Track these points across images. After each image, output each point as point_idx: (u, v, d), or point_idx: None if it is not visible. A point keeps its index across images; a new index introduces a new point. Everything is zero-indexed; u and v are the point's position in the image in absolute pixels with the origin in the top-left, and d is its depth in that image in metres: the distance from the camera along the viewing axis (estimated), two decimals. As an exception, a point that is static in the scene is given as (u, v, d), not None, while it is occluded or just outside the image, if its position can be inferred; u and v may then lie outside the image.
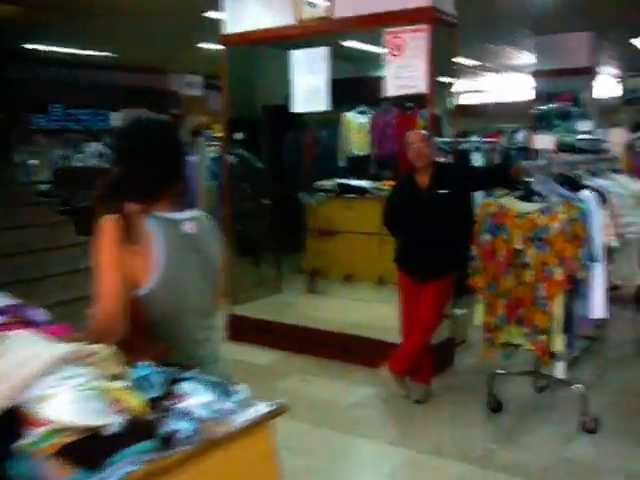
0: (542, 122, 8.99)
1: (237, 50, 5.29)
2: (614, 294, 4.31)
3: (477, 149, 6.19)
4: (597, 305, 3.47)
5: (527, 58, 9.52)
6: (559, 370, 3.38)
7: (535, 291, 3.27)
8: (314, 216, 7.22)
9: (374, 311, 4.99)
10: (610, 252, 3.83)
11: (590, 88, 8.33)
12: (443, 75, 4.57)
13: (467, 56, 9.50)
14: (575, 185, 3.65)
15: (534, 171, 3.45)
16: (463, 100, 13.25)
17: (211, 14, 6.51)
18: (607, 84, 9.78)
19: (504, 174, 3.61)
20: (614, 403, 3.88)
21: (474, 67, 10.47)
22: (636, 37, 7.82)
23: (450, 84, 4.62)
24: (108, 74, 9.87)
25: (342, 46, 6.98)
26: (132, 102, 9.20)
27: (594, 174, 4.09)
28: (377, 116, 6.01)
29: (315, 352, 4.88)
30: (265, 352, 5.01)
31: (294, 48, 4.91)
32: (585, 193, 3.47)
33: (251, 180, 6.98)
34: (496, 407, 3.82)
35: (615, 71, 10.09)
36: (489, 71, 11.16)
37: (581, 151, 5.18)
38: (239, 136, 7.14)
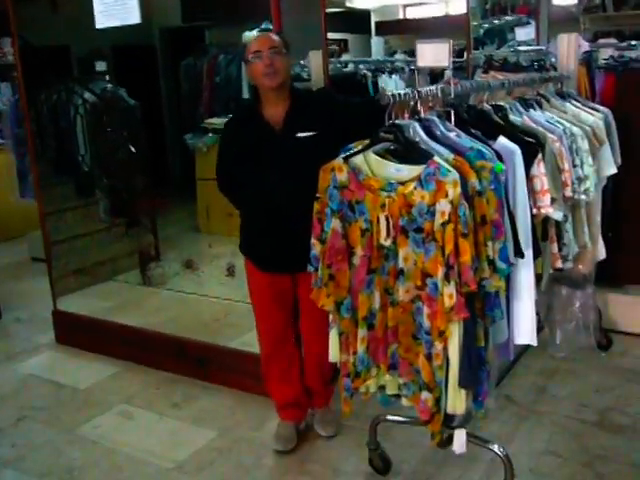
0: (493, 37, 7.63)
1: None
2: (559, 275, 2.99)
3: (392, 71, 4.69)
4: (523, 324, 2.13)
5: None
6: (458, 442, 2.03)
7: (415, 317, 1.90)
8: (203, 164, 5.88)
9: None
10: (546, 227, 2.48)
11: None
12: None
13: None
14: (493, 127, 2.24)
15: (422, 105, 2.01)
16: (392, 14, 11.40)
17: None
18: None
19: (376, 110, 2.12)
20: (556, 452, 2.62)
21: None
22: None
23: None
24: None
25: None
26: None
27: (528, 103, 2.66)
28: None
29: (160, 365, 3.52)
30: (98, 365, 3.62)
31: None
32: (503, 141, 2.05)
33: (120, 122, 5.46)
34: (382, 468, 2.51)
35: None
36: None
37: (520, 69, 3.74)
38: (101, 66, 5.65)
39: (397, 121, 1.89)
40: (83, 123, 5.14)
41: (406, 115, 1.94)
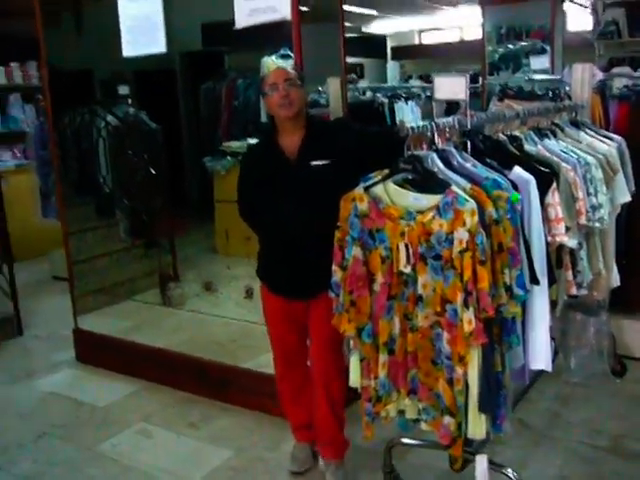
0: (508, 63, 7.70)
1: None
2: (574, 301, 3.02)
3: (408, 98, 4.78)
4: (538, 350, 2.17)
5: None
6: (480, 470, 2.07)
7: (434, 342, 1.95)
8: (221, 186, 5.97)
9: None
10: (560, 254, 2.52)
11: (561, 16, 6.81)
12: None
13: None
14: (508, 157, 2.30)
15: (439, 136, 2.08)
16: (407, 40, 11.56)
17: None
18: (577, 14, 8.22)
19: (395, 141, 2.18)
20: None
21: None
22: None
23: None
24: None
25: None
26: None
27: (542, 133, 2.73)
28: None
29: (179, 385, 3.57)
30: (117, 384, 3.69)
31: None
32: (518, 171, 2.11)
33: (141, 145, 5.52)
34: (396, 491, 2.55)
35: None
36: (444, 5, 9.55)
37: (534, 97, 3.81)
38: (124, 90, 5.73)
39: (416, 152, 1.95)
40: (105, 145, 5.21)
41: (424, 146, 2.01)
